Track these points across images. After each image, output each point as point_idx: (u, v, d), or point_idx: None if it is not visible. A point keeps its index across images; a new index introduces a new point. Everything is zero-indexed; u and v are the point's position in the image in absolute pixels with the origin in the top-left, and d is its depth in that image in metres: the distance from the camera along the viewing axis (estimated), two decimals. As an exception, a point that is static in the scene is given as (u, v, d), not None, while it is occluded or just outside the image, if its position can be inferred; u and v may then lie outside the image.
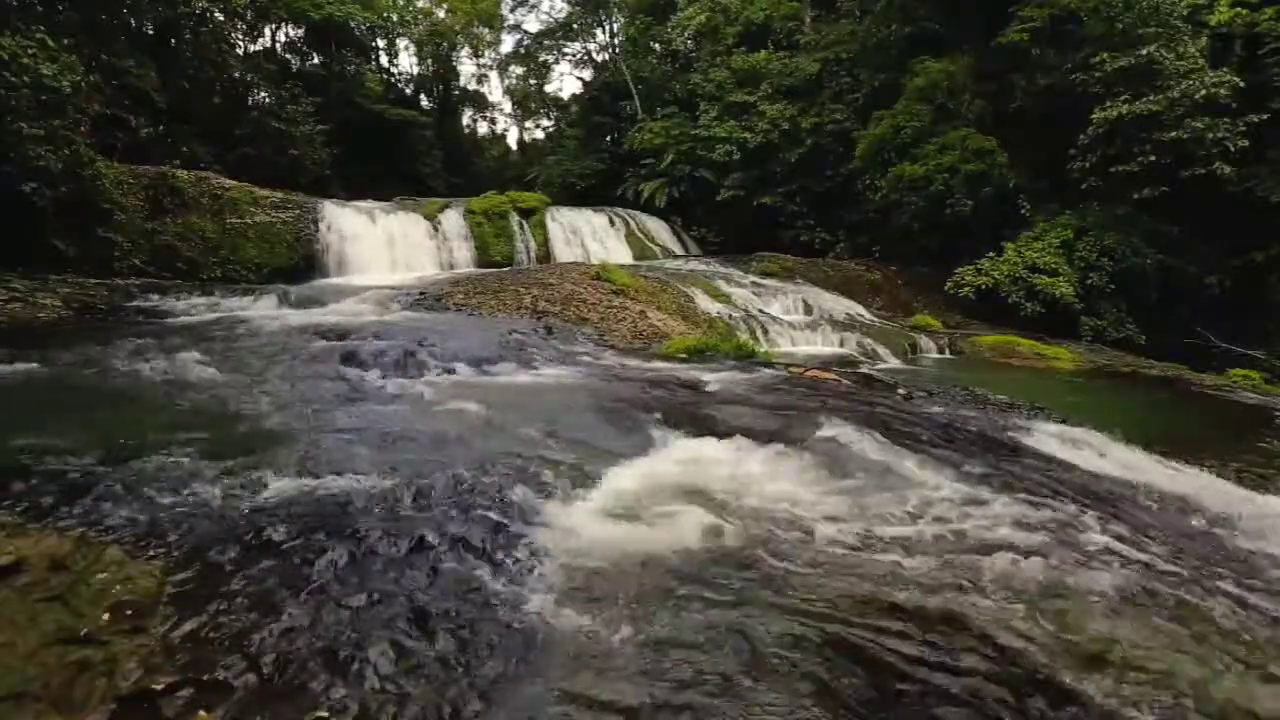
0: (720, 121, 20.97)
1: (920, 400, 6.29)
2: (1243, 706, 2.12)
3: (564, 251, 17.15)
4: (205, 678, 1.95)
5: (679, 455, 3.90)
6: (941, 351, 11.78)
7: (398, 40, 32.26)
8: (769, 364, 7.89)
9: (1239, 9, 13.62)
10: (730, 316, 11.82)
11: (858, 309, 14.33)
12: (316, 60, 25.84)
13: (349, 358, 6.18)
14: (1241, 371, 10.80)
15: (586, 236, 17.96)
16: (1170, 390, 9.32)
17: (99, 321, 7.80)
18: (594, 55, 32.90)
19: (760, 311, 12.59)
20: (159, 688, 1.90)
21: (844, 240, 19.05)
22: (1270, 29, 13.23)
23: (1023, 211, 14.94)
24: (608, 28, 30.60)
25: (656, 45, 28.44)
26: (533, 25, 36.12)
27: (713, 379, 6.42)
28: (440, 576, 2.56)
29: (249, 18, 20.76)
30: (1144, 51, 12.98)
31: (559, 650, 2.19)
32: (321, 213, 13.78)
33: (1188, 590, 2.77)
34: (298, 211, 13.49)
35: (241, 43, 22.39)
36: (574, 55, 34.06)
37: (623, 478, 3.53)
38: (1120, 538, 3.21)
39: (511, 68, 37.41)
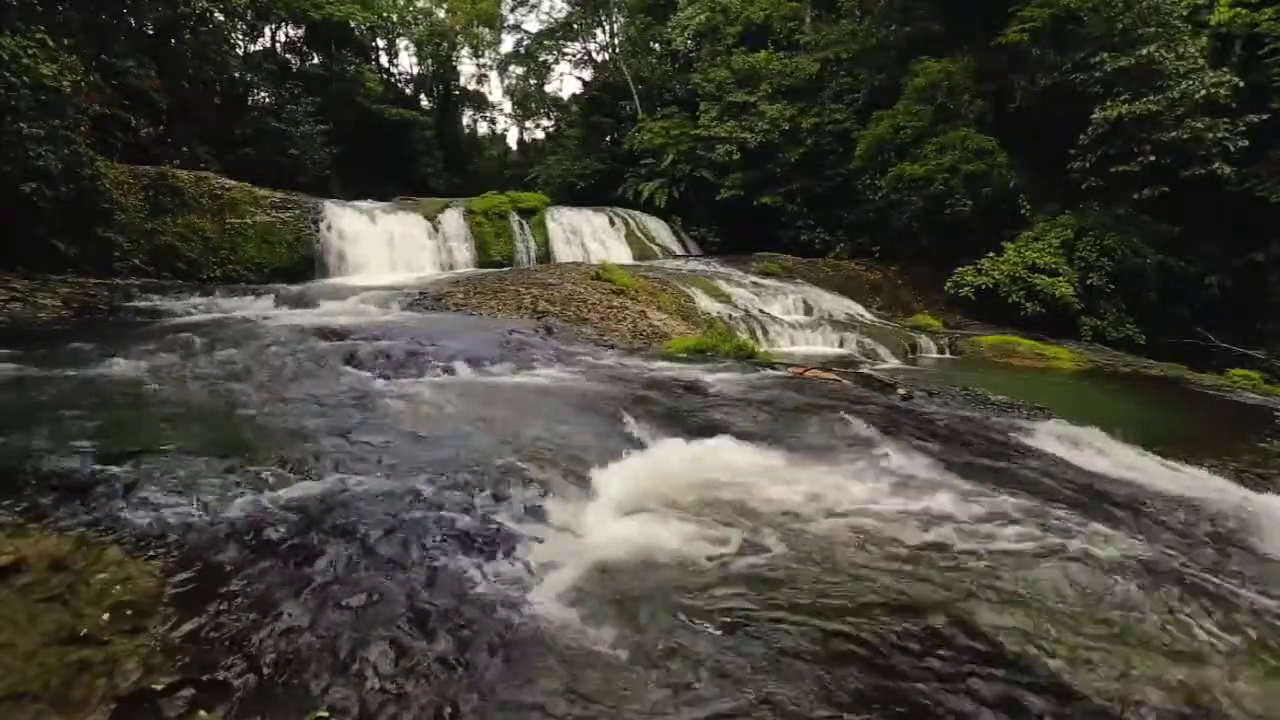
0: (720, 121, 20.96)
1: (920, 400, 6.30)
2: (1243, 705, 2.12)
3: (564, 251, 17.15)
4: (205, 678, 1.95)
5: (679, 455, 3.90)
6: (941, 351, 11.78)
7: (398, 40, 32.29)
8: (769, 364, 7.89)
9: (1239, 9, 13.64)
10: (730, 316, 11.82)
11: (857, 309, 14.34)
12: (316, 60, 25.80)
13: (349, 358, 6.17)
14: (1241, 371, 10.81)
15: (586, 236, 17.97)
16: (1170, 390, 9.33)
17: (99, 321, 7.79)
18: (594, 55, 32.96)
19: (760, 311, 12.59)
20: (159, 688, 1.90)
21: (844, 240, 19.05)
22: (1270, 29, 13.24)
23: (1023, 211, 14.95)
24: (608, 28, 30.62)
25: (656, 45, 28.43)
26: (533, 25, 36.10)
27: (713, 379, 6.42)
28: (440, 576, 2.56)
29: (249, 18, 20.71)
30: (1144, 51, 13.00)
31: (560, 650, 2.19)
32: (322, 213, 13.78)
33: (1189, 590, 2.77)
34: (298, 211, 13.49)
35: (241, 43, 22.37)
36: (574, 55, 34.12)
37: (623, 478, 3.52)
38: (1121, 538, 3.21)
39: (511, 68, 37.39)
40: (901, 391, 6.62)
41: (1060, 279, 13.30)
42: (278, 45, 25.46)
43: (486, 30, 34.37)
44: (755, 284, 14.39)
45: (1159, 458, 4.83)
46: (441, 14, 32.86)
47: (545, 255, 16.84)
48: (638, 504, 3.27)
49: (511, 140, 41.91)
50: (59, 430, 3.74)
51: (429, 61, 33.35)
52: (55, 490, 2.97)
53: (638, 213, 20.88)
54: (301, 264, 12.97)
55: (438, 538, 2.82)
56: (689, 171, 21.62)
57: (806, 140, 19.53)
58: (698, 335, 9.71)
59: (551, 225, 17.59)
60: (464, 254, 15.72)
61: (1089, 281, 13.46)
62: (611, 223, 19.09)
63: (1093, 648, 2.34)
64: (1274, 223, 13.13)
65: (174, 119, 16.17)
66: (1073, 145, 14.04)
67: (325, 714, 1.85)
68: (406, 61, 36.61)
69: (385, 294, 10.42)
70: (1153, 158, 12.99)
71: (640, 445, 4.14)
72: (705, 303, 12.22)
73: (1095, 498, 3.79)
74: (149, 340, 6.35)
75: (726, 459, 3.89)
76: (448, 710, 1.91)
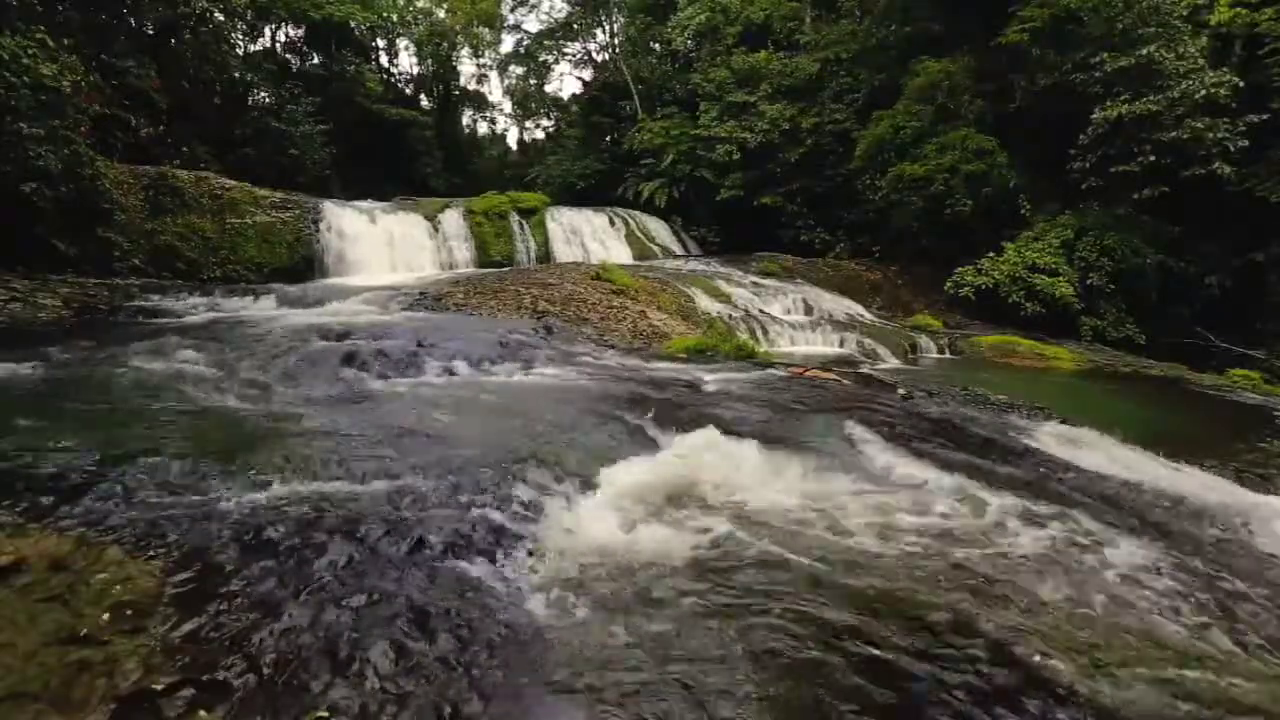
0: (720, 121, 20.95)
1: (920, 400, 6.29)
2: (1242, 705, 2.12)
3: (564, 251, 17.14)
4: (205, 678, 1.96)
5: (679, 455, 3.90)
6: (941, 351, 11.77)
7: (398, 40, 32.28)
8: (769, 364, 7.89)
9: (1239, 9, 13.63)
10: (730, 316, 11.82)
11: (858, 309, 14.34)
12: (316, 60, 25.79)
13: (349, 358, 6.17)
14: (1241, 371, 10.80)
15: (586, 236, 17.96)
16: (1170, 390, 9.33)
17: (99, 321, 7.79)
18: (594, 55, 32.96)
19: (760, 311, 12.59)
20: (159, 688, 1.90)
21: (844, 240, 19.05)
22: (1270, 29, 13.24)
23: (1023, 211, 14.95)
24: (608, 28, 30.62)
25: (656, 45, 28.42)
26: (533, 25, 36.14)
27: (713, 379, 6.42)
28: (440, 576, 2.56)
29: (249, 18, 20.72)
30: (1144, 51, 12.99)
31: (560, 650, 2.19)
32: (321, 213, 13.76)
33: (1188, 590, 2.77)
34: (298, 211, 13.48)
35: (241, 43, 22.37)
36: (574, 55, 34.11)
37: (623, 478, 3.52)
38: (1120, 538, 3.21)
39: (511, 68, 37.39)
40: (901, 391, 6.62)
41: (1060, 279, 13.29)
42: (278, 45, 25.47)
43: (486, 30, 34.37)
44: (755, 284, 14.38)
45: (1159, 458, 4.83)
46: (441, 14, 32.86)
47: (545, 255, 16.84)
48: (638, 503, 3.27)
49: (511, 140, 41.94)
50: (59, 430, 3.74)
51: (429, 61, 33.34)
52: (55, 490, 2.97)
53: (638, 213, 20.87)
54: (301, 264, 12.95)
55: (437, 537, 2.82)
56: (689, 171, 21.62)
57: (806, 140, 19.52)
58: (698, 335, 9.70)
59: (551, 225, 17.59)
60: (464, 254, 15.70)
61: (1089, 281, 13.46)
62: (611, 223, 19.08)
63: (1092, 647, 2.34)
64: (1274, 223, 13.13)
65: (174, 119, 16.16)
66: (1073, 145, 14.03)
67: (325, 714, 1.85)
68: (406, 61, 36.67)
69: (385, 294, 10.41)
70: (1153, 158, 12.98)
71: (640, 445, 4.15)
72: (705, 303, 12.22)
73: (1095, 498, 3.79)
74: (149, 340, 6.35)
75: (726, 459, 3.89)
76: (448, 710, 1.91)
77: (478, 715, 1.91)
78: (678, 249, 20.45)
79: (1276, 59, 13.08)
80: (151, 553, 2.55)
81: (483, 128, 40.61)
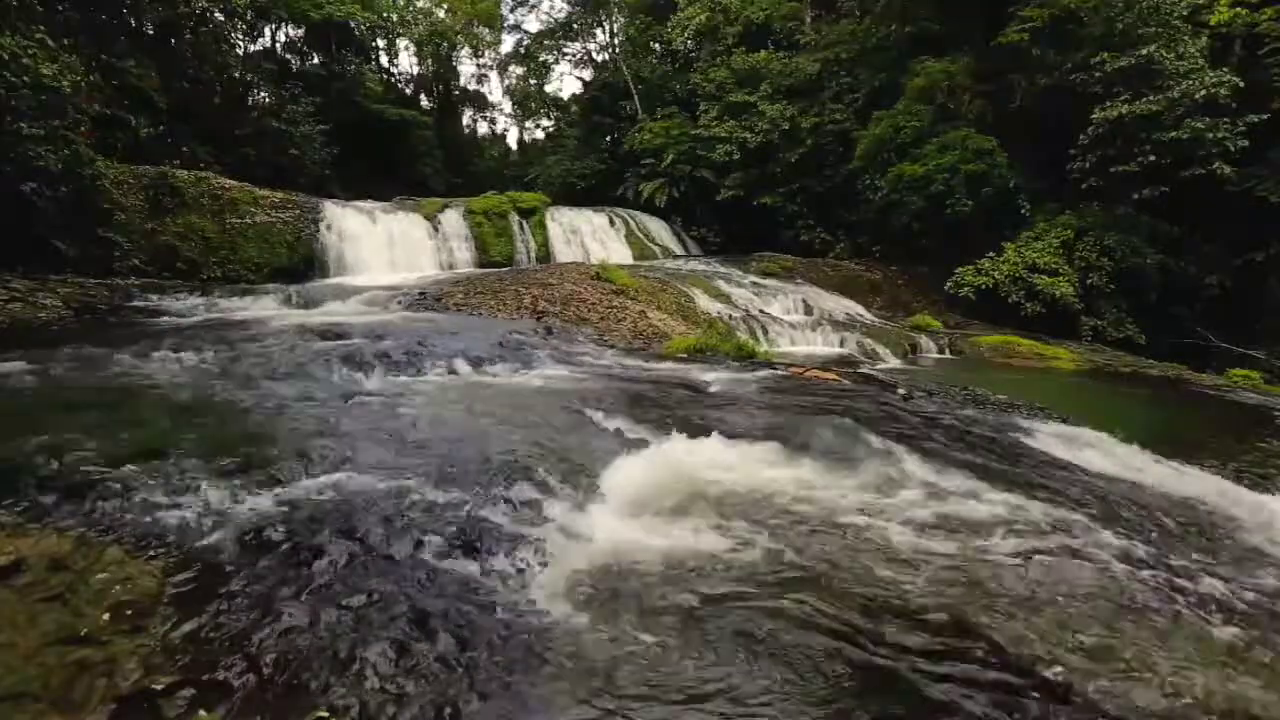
0: (720, 121, 20.98)
1: (920, 400, 6.29)
2: (1241, 706, 2.12)
3: (564, 251, 17.15)
4: (205, 678, 1.96)
5: (679, 455, 3.90)
6: (941, 352, 11.77)
7: (398, 40, 32.32)
8: (769, 364, 7.89)
9: (1239, 9, 13.65)
10: (730, 316, 11.82)
11: (858, 309, 14.34)
12: (316, 60, 25.85)
13: (349, 358, 6.17)
14: (1241, 371, 10.81)
15: (586, 236, 17.97)
16: (1170, 390, 9.32)
17: (99, 321, 7.80)
18: (594, 55, 33.00)
19: (760, 311, 12.59)
20: (159, 688, 1.90)
21: (844, 240, 19.06)
22: (1270, 29, 13.25)
23: (1023, 211, 14.96)
24: (608, 28, 30.65)
25: (656, 45, 28.47)
26: (533, 25, 36.27)
27: (713, 379, 6.42)
28: (440, 576, 2.56)
29: (249, 18, 20.73)
30: (1144, 51, 13.00)
31: (560, 652, 2.19)
32: (322, 213, 13.77)
33: (1188, 590, 2.76)
34: (298, 211, 13.48)
35: (241, 43, 22.37)
36: (574, 55, 34.17)
37: (623, 478, 3.52)
38: (1121, 538, 3.21)
39: (511, 68, 37.47)
40: (901, 391, 6.62)
41: (1060, 279, 13.30)
42: (278, 45, 25.49)
43: (486, 30, 34.45)
44: (755, 284, 14.38)
45: (1159, 458, 4.83)
46: (441, 14, 32.91)
47: (545, 255, 16.84)
48: (637, 504, 3.27)
49: (511, 140, 42.01)
50: (59, 430, 3.73)
51: (429, 61, 33.39)
52: (55, 490, 2.97)
53: (638, 213, 20.87)
54: (301, 264, 12.96)
55: (438, 537, 2.82)
56: (689, 171, 21.63)
57: (806, 140, 19.53)
58: (698, 335, 9.70)
59: (551, 225, 17.60)
60: (464, 254, 15.71)
61: (1089, 281, 13.46)
62: (611, 223, 19.09)
63: (1093, 648, 2.34)
64: (1274, 223, 13.14)
65: (174, 119, 16.17)
66: (1073, 145, 14.04)
67: (325, 714, 1.85)
68: (406, 61, 36.70)
69: (385, 294, 10.42)
70: (1153, 158, 12.99)
71: (640, 445, 4.14)
72: (705, 303, 12.22)
73: (1095, 498, 3.79)
74: (149, 340, 6.35)
75: (726, 459, 3.89)
76: (448, 710, 1.91)
77: (478, 715, 1.91)
78: (678, 249, 20.45)
79: (1276, 59, 13.09)
80: (151, 553, 2.55)
81: (483, 128, 40.73)
